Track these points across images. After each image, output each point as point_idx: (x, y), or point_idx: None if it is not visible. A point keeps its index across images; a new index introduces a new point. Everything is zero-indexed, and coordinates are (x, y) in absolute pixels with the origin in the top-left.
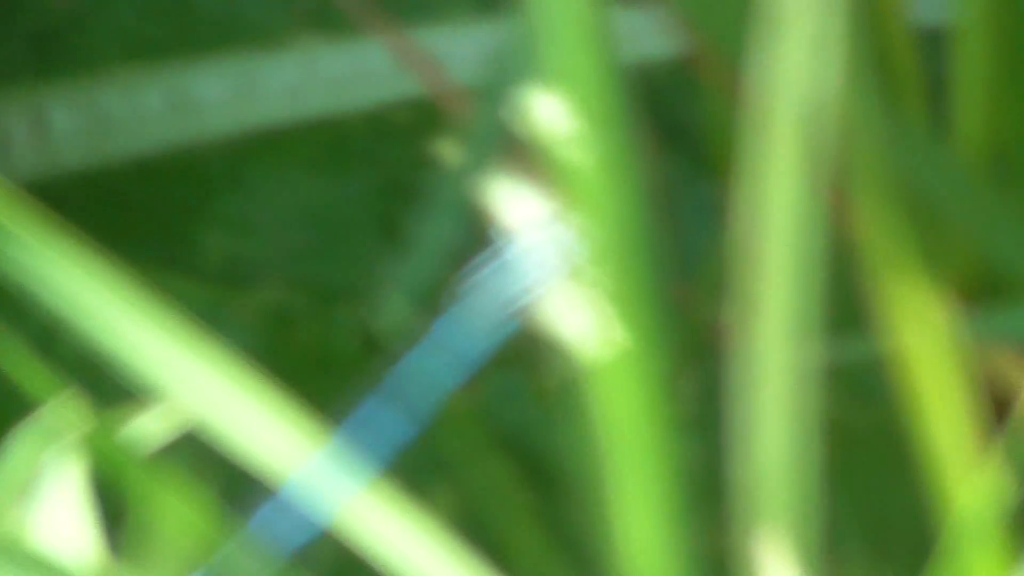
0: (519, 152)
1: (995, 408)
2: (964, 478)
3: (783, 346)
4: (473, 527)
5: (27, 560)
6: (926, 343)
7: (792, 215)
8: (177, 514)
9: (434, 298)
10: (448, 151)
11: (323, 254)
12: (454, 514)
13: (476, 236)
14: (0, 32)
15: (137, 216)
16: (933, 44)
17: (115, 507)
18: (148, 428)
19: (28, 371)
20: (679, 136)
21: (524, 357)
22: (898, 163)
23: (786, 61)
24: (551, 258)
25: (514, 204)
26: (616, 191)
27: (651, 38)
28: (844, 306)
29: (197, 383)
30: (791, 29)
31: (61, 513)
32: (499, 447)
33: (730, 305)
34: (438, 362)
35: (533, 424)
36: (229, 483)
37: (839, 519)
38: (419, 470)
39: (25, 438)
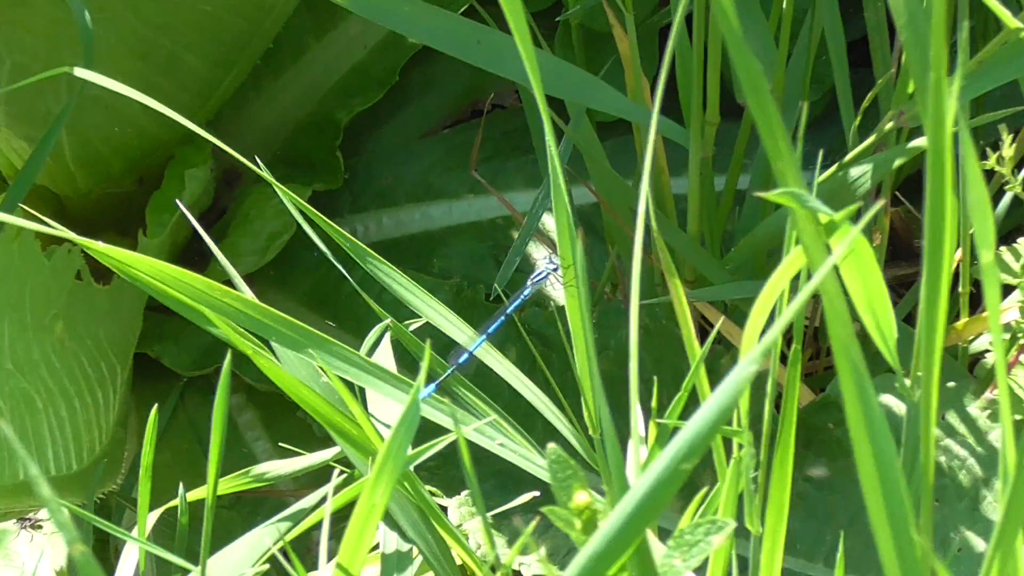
0: (543, 235)
1: (702, 328)
2: (694, 350)
3: (639, 297)
4: (523, 365)
5: (372, 367)
6: (679, 299)
7: (639, 257)
8: (428, 357)
9: (515, 282)
10: (517, 235)
11: (474, 267)
12: (516, 359)
13: (529, 262)
14: (353, 192)
15: (409, 256)
16: (681, 200)
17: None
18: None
19: (379, 312)
20: (594, 230)
21: (541, 301)
22: (672, 240)
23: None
24: (554, 269)
25: (540, 252)
26: (572, 249)
27: (583, 195)
28: (655, 284)
29: (433, 313)
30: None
31: (386, 359)
32: (531, 334)
33: (604, 286)
34: (514, 302)
35: (545, 324)
36: (444, 347)
37: (648, 372)
38: (504, 340)
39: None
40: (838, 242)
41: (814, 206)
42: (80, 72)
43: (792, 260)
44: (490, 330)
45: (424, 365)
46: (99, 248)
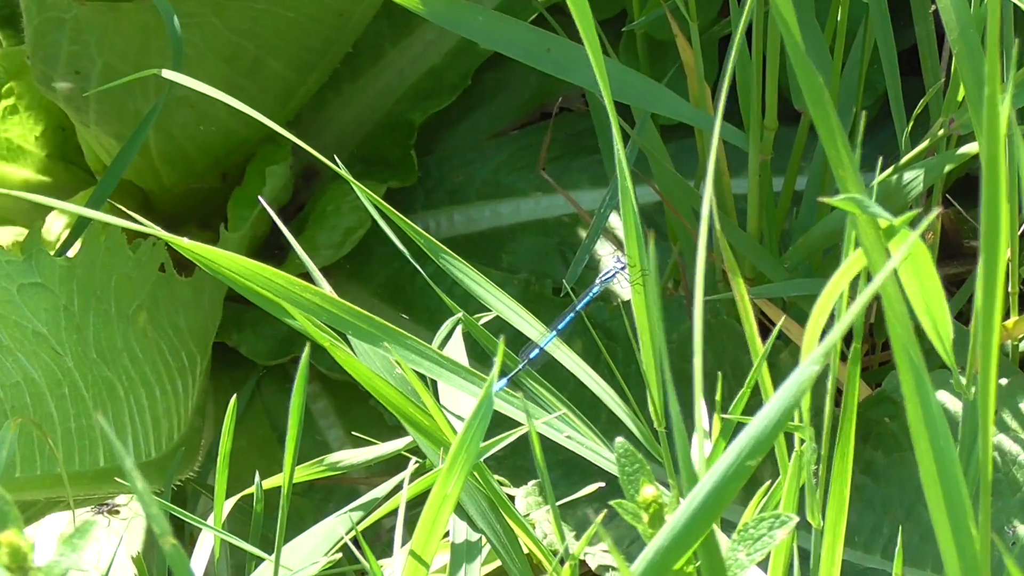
0: (608, 232)
1: (760, 323)
2: (756, 347)
3: (702, 293)
4: (588, 357)
5: (444, 360)
6: (742, 296)
7: (702, 257)
8: (501, 353)
9: (582, 278)
10: (583, 232)
11: (541, 262)
12: (581, 351)
13: (594, 259)
14: (426, 189)
15: (479, 251)
16: (741, 200)
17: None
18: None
19: (451, 305)
20: (656, 228)
21: (606, 296)
22: (733, 239)
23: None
24: (621, 268)
25: (606, 248)
26: (641, 249)
27: (646, 194)
28: (716, 280)
29: (502, 306)
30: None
31: (457, 351)
32: (596, 327)
33: (667, 281)
34: (583, 300)
35: (610, 318)
36: (511, 338)
37: (710, 365)
38: (571, 334)
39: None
40: (897, 246)
41: (875, 211)
42: (168, 74)
43: (852, 263)
44: (560, 327)
45: (498, 360)
46: (184, 244)
